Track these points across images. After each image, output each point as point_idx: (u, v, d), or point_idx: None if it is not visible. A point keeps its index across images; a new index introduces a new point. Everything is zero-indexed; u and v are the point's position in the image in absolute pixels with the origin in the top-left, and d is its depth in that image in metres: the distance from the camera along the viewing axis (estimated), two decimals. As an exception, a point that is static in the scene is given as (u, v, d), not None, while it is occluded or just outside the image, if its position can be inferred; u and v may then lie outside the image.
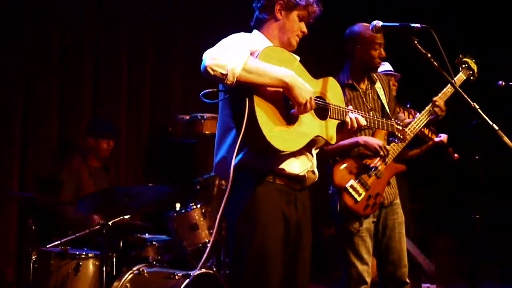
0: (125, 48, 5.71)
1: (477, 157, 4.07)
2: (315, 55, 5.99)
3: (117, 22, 5.65)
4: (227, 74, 2.31)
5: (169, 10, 5.99)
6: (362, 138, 3.48)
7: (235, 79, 2.32)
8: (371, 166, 3.54)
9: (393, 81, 4.88)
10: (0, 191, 4.79)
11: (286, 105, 2.47)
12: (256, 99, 2.37)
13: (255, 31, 2.73)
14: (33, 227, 4.07)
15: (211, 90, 2.48)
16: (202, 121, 5.24)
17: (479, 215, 4.03)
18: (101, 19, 5.54)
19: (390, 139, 3.55)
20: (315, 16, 2.74)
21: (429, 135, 4.74)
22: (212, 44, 2.50)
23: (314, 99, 2.54)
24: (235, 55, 2.33)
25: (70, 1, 5.28)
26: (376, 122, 2.94)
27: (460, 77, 3.79)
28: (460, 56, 3.86)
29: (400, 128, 3.13)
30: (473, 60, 3.88)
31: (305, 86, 2.45)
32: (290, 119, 2.48)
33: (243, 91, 2.37)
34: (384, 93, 3.71)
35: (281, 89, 2.44)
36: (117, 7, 5.63)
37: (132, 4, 5.72)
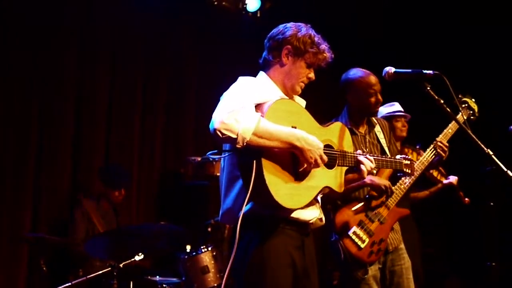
0: (138, 90, 5.79)
1: (491, 203, 4.03)
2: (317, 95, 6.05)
3: (132, 65, 5.75)
4: (236, 139, 2.30)
5: (183, 53, 6.10)
6: (368, 178, 3.38)
7: (245, 143, 2.32)
8: (374, 211, 3.49)
9: (403, 122, 4.87)
10: (12, 232, 4.80)
11: (294, 162, 2.47)
12: (264, 159, 2.38)
13: (261, 74, 2.72)
14: (44, 268, 4.06)
15: (217, 151, 2.50)
16: (214, 163, 5.25)
17: (495, 262, 3.97)
18: (116, 61, 5.64)
19: (398, 174, 3.52)
20: (326, 63, 2.70)
21: (438, 177, 4.69)
22: (225, 87, 2.52)
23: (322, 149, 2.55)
24: (244, 119, 2.31)
25: (85, 43, 5.40)
26: (384, 162, 2.95)
27: (460, 117, 3.75)
28: (460, 96, 3.84)
29: (408, 163, 3.09)
30: (473, 100, 3.86)
31: (314, 145, 2.44)
32: (298, 175, 2.48)
33: (251, 151, 2.37)
34: (384, 136, 3.71)
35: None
36: (132, 49, 5.75)
37: (147, 45, 5.83)
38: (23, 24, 4.98)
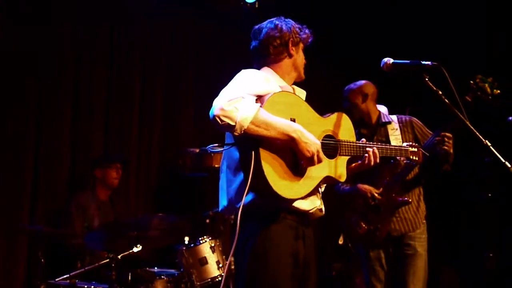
0: (136, 82, 5.77)
1: (489, 194, 4.03)
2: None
3: (129, 56, 5.73)
4: (235, 126, 2.34)
5: (181, 44, 6.08)
6: (360, 185, 3.75)
7: (243, 131, 2.35)
8: (374, 201, 3.71)
9: None
10: (10, 224, 4.79)
11: (294, 154, 2.48)
12: (262, 150, 2.40)
13: (266, 68, 2.75)
14: (42, 260, 4.06)
15: (217, 144, 2.53)
16: (212, 154, 5.24)
17: (492, 253, 4.00)
18: (114, 53, 5.62)
19: (405, 162, 3.53)
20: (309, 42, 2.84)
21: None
22: (223, 79, 2.53)
23: (323, 139, 2.59)
24: (244, 107, 2.35)
25: (83, 35, 5.38)
26: (387, 150, 2.92)
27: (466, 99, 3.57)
28: (478, 78, 3.68)
29: (415, 150, 3.09)
30: (488, 80, 3.60)
31: (310, 140, 2.46)
32: (298, 166, 2.49)
33: (250, 141, 2.40)
34: (401, 133, 3.78)
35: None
36: (130, 40, 5.73)
37: (144, 37, 5.82)
38: (19, 21, 4.97)
